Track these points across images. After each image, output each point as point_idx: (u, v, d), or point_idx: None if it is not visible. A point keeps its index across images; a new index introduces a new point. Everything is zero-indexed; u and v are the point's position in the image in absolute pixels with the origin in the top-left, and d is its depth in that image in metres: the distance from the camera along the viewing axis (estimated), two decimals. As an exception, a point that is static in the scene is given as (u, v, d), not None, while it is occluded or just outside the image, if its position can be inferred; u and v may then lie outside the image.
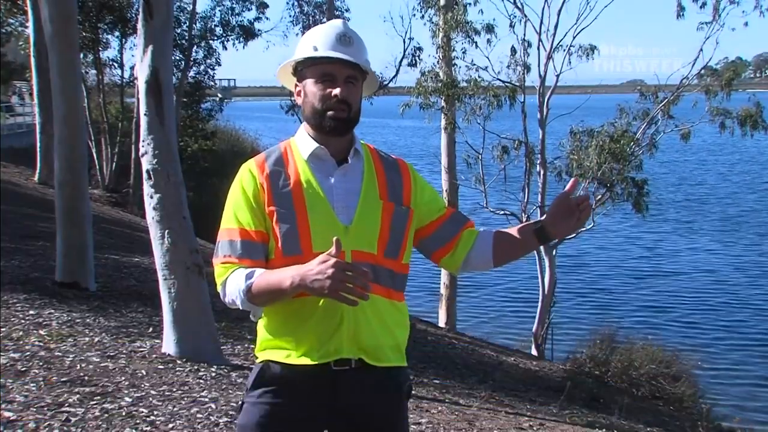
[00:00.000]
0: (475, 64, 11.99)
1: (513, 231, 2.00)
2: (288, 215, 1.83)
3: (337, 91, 1.84)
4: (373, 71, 1.96)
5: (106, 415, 3.49)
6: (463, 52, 12.07)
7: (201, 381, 4.25)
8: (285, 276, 1.74)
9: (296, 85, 1.96)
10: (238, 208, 1.87)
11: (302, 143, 1.93)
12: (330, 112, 1.85)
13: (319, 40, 1.88)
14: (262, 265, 1.84)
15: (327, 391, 1.83)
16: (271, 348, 1.88)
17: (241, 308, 1.84)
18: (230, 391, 4.12)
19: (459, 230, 2.00)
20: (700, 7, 11.78)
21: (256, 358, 1.94)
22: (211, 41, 20.88)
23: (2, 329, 4.64)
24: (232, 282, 1.83)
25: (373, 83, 2.00)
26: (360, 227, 1.85)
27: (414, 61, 15.90)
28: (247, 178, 1.88)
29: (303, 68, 1.91)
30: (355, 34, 1.91)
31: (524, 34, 11.96)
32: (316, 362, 1.81)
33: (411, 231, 1.96)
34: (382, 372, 1.88)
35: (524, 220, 12.12)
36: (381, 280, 1.86)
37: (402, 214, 1.93)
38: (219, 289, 1.88)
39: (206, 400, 3.91)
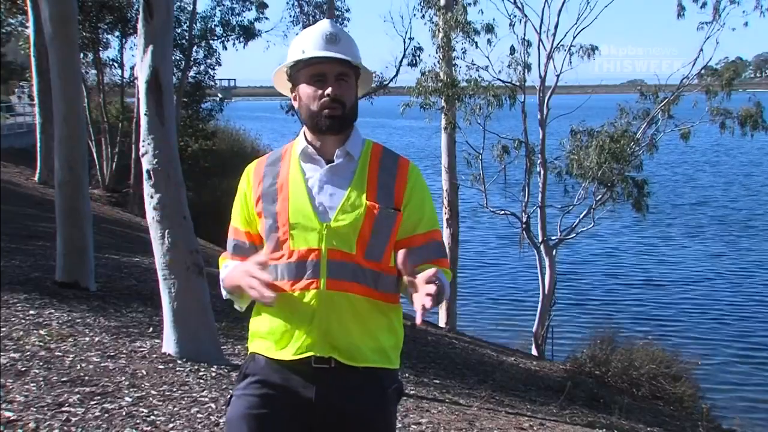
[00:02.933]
0: (475, 64, 12.00)
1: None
2: (270, 213, 1.90)
3: (329, 90, 1.86)
4: (365, 66, 1.96)
5: (107, 415, 3.49)
6: (463, 52, 12.08)
7: (201, 381, 4.26)
8: (235, 276, 1.89)
9: (292, 91, 1.98)
10: (236, 209, 2.00)
11: (297, 143, 1.97)
12: (325, 111, 1.87)
13: (306, 43, 1.90)
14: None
15: (308, 388, 1.85)
16: (257, 339, 1.94)
17: (224, 297, 2.01)
18: (230, 391, 4.11)
19: (420, 262, 1.85)
20: (701, 7, 11.81)
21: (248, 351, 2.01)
22: (211, 41, 20.90)
23: (2, 329, 4.64)
24: (219, 273, 2.01)
25: (367, 79, 2.01)
26: (339, 227, 1.85)
27: (414, 61, 15.94)
28: (243, 180, 1.99)
29: (295, 72, 1.94)
30: (342, 32, 1.93)
31: (524, 34, 11.98)
32: (290, 358, 1.85)
33: (398, 233, 1.91)
34: (364, 373, 1.87)
35: (524, 220, 12.13)
36: (360, 280, 1.85)
37: (388, 217, 1.89)
38: None
39: (206, 400, 3.91)
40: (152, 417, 3.55)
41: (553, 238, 12.37)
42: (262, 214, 1.91)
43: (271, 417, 1.85)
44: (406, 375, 6.05)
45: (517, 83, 11.92)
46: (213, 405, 3.84)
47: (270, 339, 1.89)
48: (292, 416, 1.86)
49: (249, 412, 1.84)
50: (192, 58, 20.23)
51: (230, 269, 1.95)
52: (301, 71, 1.91)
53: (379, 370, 1.90)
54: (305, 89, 1.90)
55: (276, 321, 1.88)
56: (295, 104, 1.97)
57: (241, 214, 1.97)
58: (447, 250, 2.09)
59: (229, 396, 1.95)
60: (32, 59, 14.92)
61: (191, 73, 20.78)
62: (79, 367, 4.12)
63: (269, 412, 1.85)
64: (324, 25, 1.93)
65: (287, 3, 18.68)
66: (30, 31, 14.95)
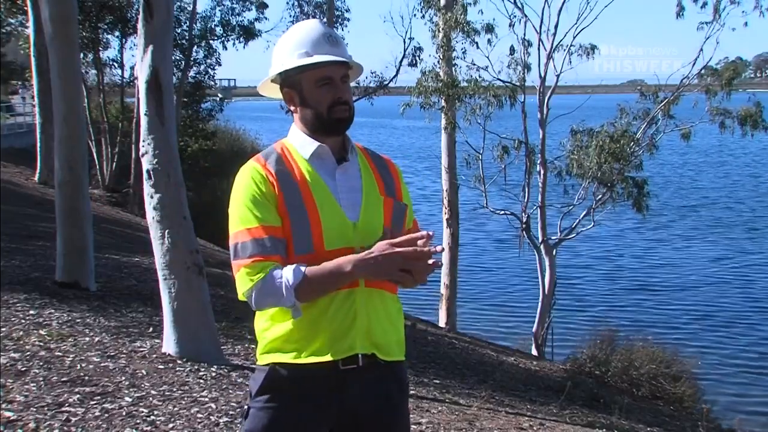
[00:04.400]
0: (475, 64, 12.01)
1: None
2: (299, 215, 1.83)
3: (341, 94, 1.88)
4: (357, 62, 1.97)
5: (107, 415, 3.49)
6: (463, 52, 12.10)
7: (201, 381, 4.25)
8: (342, 263, 1.77)
9: (287, 93, 1.95)
10: (255, 207, 1.82)
11: (300, 144, 1.93)
12: (336, 115, 1.88)
13: (309, 45, 1.88)
14: (287, 261, 1.81)
15: (333, 391, 1.84)
16: (278, 350, 1.86)
17: (286, 305, 1.78)
18: (230, 391, 4.12)
19: None
20: (701, 7, 11.80)
21: (257, 360, 1.93)
22: (211, 41, 20.92)
23: (2, 329, 4.64)
24: (273, 280, 1.77)
25: (356, 74, 2.03)
26: (366, 223, 1.88)
27: (414, 61, 15.95)
28: (257, 177, 1.85)
29: (294, 75, 1.91)
30: (335, 32, 1.96)
31: (524, 34, 11.98)
32: (328, 360, 1.81)
33: (407, 225, 1.99)
34: (387, 368, 1.90)
35: (524, 220, 12.13)
36: None
37: (401, 209, 1.97)
38: (249, 290, 1.79)
39: (206, 400, 3.91)
40: (152, 417, 3.55)
41: (553, 238, 12.37)
42: (288, 216, 1.83)
43: (294, 429, 1.84)
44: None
45: (517, 83, 11.93)
46: (213, 405, 3.83)
47: (300, 345, 1.83)
48: (314, 423, 1.85)
49: (273, 425, 1.83)
50: (192, 58, 20.23)
51: (320, 265, 1.77)
52: (304, 74, 1.89)
53: (396, 364, 1.94)
54: (313, 92, 1.88)
55: (312, 325, 1.82)
56: (292, 107, 1.95)
57: (272, 210, 1.82)
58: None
59: (246, 408, 1.91)
60: (32, 59, 14.93)
61: (191, 73, 20.79)
62: (79, 367, 4.12)
63: (291, 424, 1.84)
64: (319, 26, 1.93)
65: (287, 3, 18.68)
66: (30, 31, 14.96)
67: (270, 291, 1.77)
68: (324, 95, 1.87)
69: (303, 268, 1.76)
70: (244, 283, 1.80)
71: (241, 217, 1.83)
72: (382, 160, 2.04)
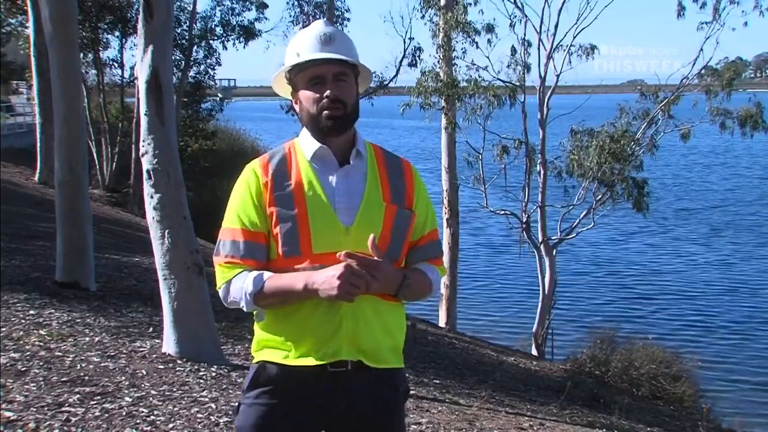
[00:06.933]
0: (475, 64, 12.01)
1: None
2: (288, 216, 1.83)
3: (327, 92, 1.85)
4: (362, 63, 1.94)
5: (107, 414, 3.49)
6: (464, 52, 12.10)
7: (201, 381, 4.26)
8: (297, 279, 1.77)
9: (292, 94, 1.97)
10: (241, 209, 1.87)
11: (305, 144, 1.92)
12: (325, 112, 1.85)
13: (301, 46, 1.88)
14: (264, 265, 1.86)
15: (323, 393, 1.83)
16: (269, 348, 1.87)
17: (244, 309, 1.86)
18: (230, 391, 4.12)
19: (420, 260, 1.97)
20: (700, 7, 11.81)
21: (252, 357, 1.94)
22: (211, 41, 20.93)
23: (2, 329, 4.64)
24: (237, 283, 1.84)
25: (366, 75, 2.00)
26: (361, 229, 1.83)
27: (414, 61, 15.94)
28: (251, 179, 1.88)
29: (294, 77, 1.92)
30: (337, 32, 1.91)
31: (524, 34, 12.00)
32: (314, 364, 1.81)
33: (412, 233, 1.95)
34: (379, 374, 1.87)
35: (524, 220, 12.13)
36: None
37: (404, 217, 1.92)
38: (220, 287, 1.89)
39: (206, 400, 3.91)
40: (152, 417, 3.55)
41: (553, 238, 12.37)
42: (277, 217, 1.83)
43: (283, 426, 1.84)
44: (406, 375, 6.03)
45: (517, 83, 11.93)
46: (213, 405, 3.84)
47: (288, 347, 1.84)
48: (304, 422, 1.85)
49: (260, 422, 1.84)
50: (192, 58, 20.23)
51: (279, 276, 1.80)
52: (298, 75, 1.89)
53: (391, 371, 1.91)
54: (305, 93, 1.89)
55: (298, 328, 1.83)
56: (296, 107, 1.95)
57: (254, 214, 1.85)
58: (447, 250, 2.12)
59: (237, 404, 1.93)
60: (32, 59, 14.94)
61: (191, 73, 20.80)
62: (79, 367, 4.12)
63: (280, 421, 1.84)
64: (318, 26, 1.91)
65: (287, 3, 18.64)
66: (30, 31, 14.97)
67: (234, 293, 1.86)
68: (314, 94, 1.87)
69: (265, 278, 1.81)
70: (217, 280, 1.90)
71: (229, 216, 1.90)
72: (397, 162, 1.98)
